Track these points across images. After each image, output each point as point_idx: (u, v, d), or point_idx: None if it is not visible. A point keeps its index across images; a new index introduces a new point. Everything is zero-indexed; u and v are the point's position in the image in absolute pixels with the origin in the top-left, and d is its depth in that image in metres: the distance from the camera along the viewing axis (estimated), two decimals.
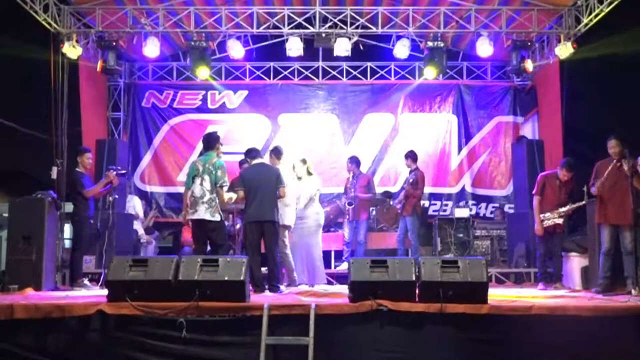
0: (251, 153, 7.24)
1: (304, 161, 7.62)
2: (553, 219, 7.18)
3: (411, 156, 9.06)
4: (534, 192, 7.45)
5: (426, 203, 10.72)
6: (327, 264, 8.99)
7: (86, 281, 7.41)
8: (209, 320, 4.78)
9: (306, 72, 11.05)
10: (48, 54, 8.72)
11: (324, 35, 9.34)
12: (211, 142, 6.81)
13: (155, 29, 9.29)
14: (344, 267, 8.68)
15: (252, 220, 6.70)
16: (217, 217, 6.53)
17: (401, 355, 4.75)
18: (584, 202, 6.96)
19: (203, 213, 6.47)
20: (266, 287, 6.59)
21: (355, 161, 9.21)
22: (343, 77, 11.04)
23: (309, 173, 7.58)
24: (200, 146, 7.57)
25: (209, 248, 6.76)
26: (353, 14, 9.46)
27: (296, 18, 9.46)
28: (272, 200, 6.73)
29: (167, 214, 10.74)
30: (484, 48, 9.29)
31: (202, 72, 9.67)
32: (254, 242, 6.72)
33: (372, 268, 4.94)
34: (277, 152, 7.38)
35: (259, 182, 6.74)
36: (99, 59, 9.38)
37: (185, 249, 9.55)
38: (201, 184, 6.51)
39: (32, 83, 9.50)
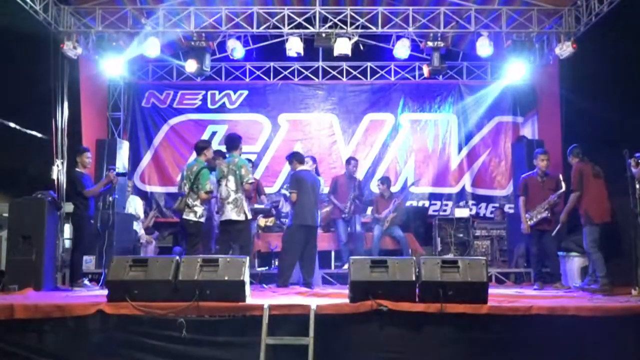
0: (297, 156, 7.35)
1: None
2: (538, 214, 7.35)
3: (386, 182, 9.40)
4: (518, 193, 7.71)
5: (426, 203, 10.75)
6: (328, 264, 9.00)
7: (86, 281, 7.41)
8: (209, 320, 4.79)
9: (306, 72, 11.05)
10: (48, 54, 8.72)
11: (324, 35, 9.32)
12: (235, 141, 6.90)
13: (155, 29, 9.28)
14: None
15: (305, 224, 7.01)
16: (243, 217, 6.58)
17: (401, 355, 4.76)
18: (563, 190, 7.29)
19: (229, 213, 6.49)
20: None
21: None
22: (343, 77, 11.03)
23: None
24: None
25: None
26: (353, 14, 9.45)
27: (296, 18, 9.45)
28: (317, 207, 7.26)
29: (167, 214, 10.72)
30: (484, 48, 9.28)
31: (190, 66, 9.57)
32: (301, 243, 6.99)
33: (372, 268, 4.95)
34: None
35: (310, 188, 7.06)
36: (98, 59, 9.38)
37: (175, 248, 9.56)
38: (226, 185, 6.55)
39: (32, 83, 9.49)
